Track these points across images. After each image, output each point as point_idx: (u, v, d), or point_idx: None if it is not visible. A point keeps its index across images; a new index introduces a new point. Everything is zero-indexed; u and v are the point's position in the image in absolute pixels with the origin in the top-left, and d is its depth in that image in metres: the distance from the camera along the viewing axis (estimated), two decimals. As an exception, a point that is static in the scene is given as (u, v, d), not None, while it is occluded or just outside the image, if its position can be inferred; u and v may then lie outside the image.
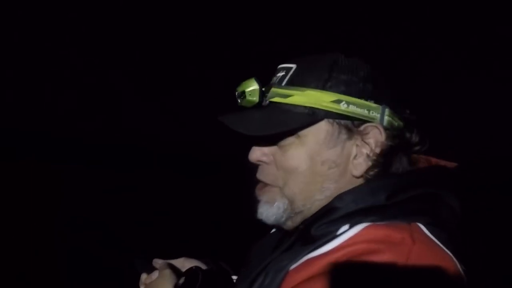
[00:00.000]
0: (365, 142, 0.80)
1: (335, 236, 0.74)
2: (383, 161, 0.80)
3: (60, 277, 3.58)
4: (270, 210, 0.84)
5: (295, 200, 0.82)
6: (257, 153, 0.85)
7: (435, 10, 3.83)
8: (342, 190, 0.80)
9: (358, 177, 0.80)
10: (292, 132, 0.81)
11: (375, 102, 0.80)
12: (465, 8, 3.62)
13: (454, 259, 0.72)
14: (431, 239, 0.73)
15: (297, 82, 0.81)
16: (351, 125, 0.80)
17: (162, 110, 5.79)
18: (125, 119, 6.22)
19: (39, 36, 4.18)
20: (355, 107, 0.79)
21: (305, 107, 0.79)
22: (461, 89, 4.80)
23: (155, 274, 0.96)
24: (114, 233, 4.51)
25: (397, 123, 0.81)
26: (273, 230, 0.98)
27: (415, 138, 0.83)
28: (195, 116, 5.84)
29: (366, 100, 0.80)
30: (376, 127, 0.80)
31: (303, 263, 0.74)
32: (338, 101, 0.79)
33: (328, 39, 3.87)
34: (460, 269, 0.72)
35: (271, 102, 0.82)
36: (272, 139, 0.83)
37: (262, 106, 0.83)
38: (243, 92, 0.82)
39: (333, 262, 0.70)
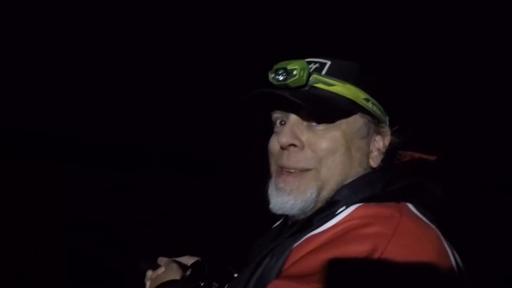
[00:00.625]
0: (381, 138, 0.94)
1: (333, 216, 0.83)
2: (388, 156, 0.93)
3: (60, 277, 3.58)
4: (299, 198, 0.88)
5: (330, 181, 0.88)
6: (288, 136, 0.88)
7: (435, 10, 3.83)
8: (363, 177, 0.90)
9: (372, 167, 0.92)
10: (339, 115, 0.88)
11: (384, 107, 0.94)
12: (465, 8, 3.63)
13: (438, 232, 0.80)
14: (417, 214, 0.83)
15: (337, 74, 0.89)
16: (374, 122, 0.93)
17: (162, 110, 5.79)
18: (125, 119, 6.22)
19: (39, 36, 4.18)
20: (375, 108, 0.92)
21: (347, 98, 0.89)
22: (460, 89, 4.80)
23: (161, 269, 1.01)
24: (114, 233, 4.52)
25: (395, 126, 0.95)
26: (274, 225, 1.06)
27: (408, 136, 0.97)
28: (195, 116, 5.84)
29: (381, 103, 0.93)
30: (389, 129, 0.94)
31: (305, 240, 0.81)
32: (367, 100, 0.91)
33: (328, 39, 3.87)
34: (443, 240, 0.79)
35: (312, 87, 0.88)
36: (308, 124, 0.89)
37: (302, 89, 0.88)
38: (291, 71, 0.86)
39: (331, 236, 0.79)
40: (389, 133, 0.94)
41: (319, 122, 0.89)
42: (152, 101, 5.44)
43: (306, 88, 0.88)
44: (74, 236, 4.30)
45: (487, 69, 4.46)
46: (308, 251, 0.78)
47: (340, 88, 0.89)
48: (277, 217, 1.00)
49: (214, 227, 4.81)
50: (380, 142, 0.94)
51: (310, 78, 0.89)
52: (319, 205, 0.88)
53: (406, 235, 0.75)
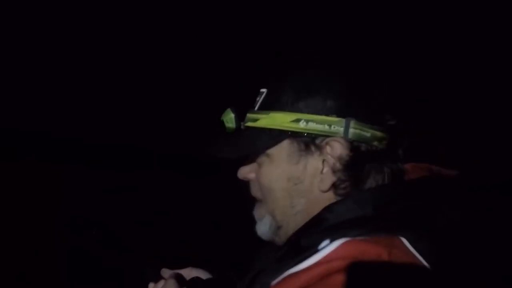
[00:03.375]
0: (328, 156, 0.84)
1: (315, 251, 0.76)
2: (352, 173, 0.82)
3: (60, 277, 3.57)
4: (261, 226, 0.93)
5: (274, 215, 0.89)
6: (242, 172, 0.96)
7: (435, 10, 3.83)
8: (317, 205, 0.83)
9: (325, 191, 0.84)
10: (260, 152, 0.89)
11: (338, 116, 0.83)
12: (465, 8, 3.63)
13: (433, 275, 0.72)
14: (411, 254, 0.74)
15: (265, 106, 0.89)
16: (312, 141, 0.86)
17: (162, 110, 5.79)
18: (125, 119, 6.22)
19: (38, 36, 4.18)
20: (314, 124, 0.84)
21: (270, 129, 0.86)
22: (460, 89, 4.80)
23: (161, 284, 1.03)
24: (114, 233, 4.51)
25: (370, 133, 0.82)
26: None
27: (397, 146, 0.86)
28: (196, 116, 5.84)
29: (327, 115, 0.84)
30: (337, 140, 0.84)
31: (283, 279, 0.76)
32: (297, 120, 0.85)
33: (329, 39, 3.87)
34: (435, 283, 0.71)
35: (246, 127, 0.93)
36: (253, 159, 0.93)
37: (241, 131, 0.94)
38: (223, 121, 0.94)
39: (310, 279, 0.72)
40: (340, 145, 0.83)
41: (246, 164, 0.94)
42: (152, 101, 5.45)
43: (242, 128, 0.93)
44: (74, 236, 4.30)
45: (487, 69, 4.46)
46: None
47: (263, 120, 0.88)
48: None
49: (214, 227, 4.81)
50: (330, 160, 0.84)
51: (246, 118, 0.93)
52: (291, 225, 0.87)
53: (390, 281, 0.68)
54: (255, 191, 0.95)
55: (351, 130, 0.83)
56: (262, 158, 0.91)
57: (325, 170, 0.85)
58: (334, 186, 0.85)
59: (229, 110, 0.94)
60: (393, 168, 0.86)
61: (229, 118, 0.93)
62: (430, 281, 0.72)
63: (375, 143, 0.83)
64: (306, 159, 0.86)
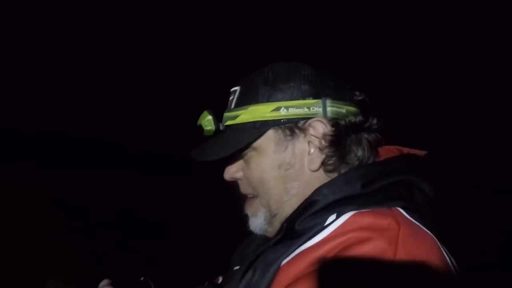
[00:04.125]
0: (312, 137, 0.87)
1: (324, 227, 0.78)
2: (337, 149, 0.85)
3: (60, 277, 3.58)
4: (255, 221, 0.91)
5: (270, 206, 0.89)
6: (228, 172, 0.96)
7: (435, 10, 3.83)
8: (310, 186, 0.85)
9: (316, 171, 0.86)
10: (246, 147, 0.89)
11: (314, 98, 0.87)
12: (465, 8, 3.63)
13: (435, 238, 0.77)
14: (412, 221, 0.78)
15: (242, 102, 0.89)
16: (295, 125, 0.87)
17: (162, 111, 5.80)
18: (125, 119, 6.23)
19: (38, 36, 4.19)
20: (294, 109, 0.86)
21: (252, 122, 0.87)
22: (460, 88, 4.81)
23: None
24: (114, 233, 4.52)
25: (344, 109, 0.87)
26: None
27: (368, 118, 0.89)
28: (195, 117, 5.84)
29: (304, 99, 0.87)
30: (319, 120, 0.86)
31: (295, 256, 0.77)
32: (278, 108, 0.86)
33: (328, 39, 3.88)
34: (441, 247, 0.77)
35: (226, 126, 0.91)
36: (237, 158, 0.92)
37: (221, 132, 0.92)
38: (201, 125, 0.93)
39: (327, 253, 0.74)
40: (322, 124, 0.85)
41: (232, 162, 0.94)
42: (152, 101, 5.46)
43: (222, 129, 0.92)
44: (74, 236, 4.31)
45: (487, 69, 4.47)
46: (302, 273, 0.74)
47: (243, 116, 0.88)
48: None
49: (213, 227, 4.82)
50: (315, 140, 0.86)
51: (223, 119, 0.92)
52: (286, 210, 0.88)
53: (409, 248, 0.72)
54: (244, 188, 0.94)
55: (329, 109, 0.86)
56: (249, 154, 0.90)
57: (312, 150, 0.87)
58: (322, 163, 0.87)
59: (205, 112, 0.94)
60: (369, 139, 0.89)
61: (207, 121, 0.93)
62: (435, 241, 0.77)
63: (351, 117, 0.87)
64: (293, 144, 0.88)
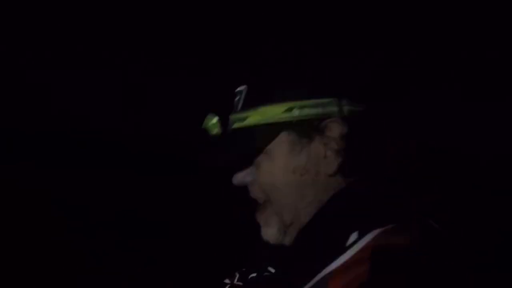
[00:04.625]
0: (329, 138, 0.80)
1: (345, 248, 0.72)
2: (353, 151, 0.80)
3: (60, 277, 3.58)
4: (269, 231, 0.85)
5: (283, 214, 0.83)
6: (237, 177, 0.89)
7: (435, 11, 3.84)
8: (327, 192, 0.80)
9: (333, 175, 0.80)
10: (258, 152, 0.83)
11: (328, 97, 0.81)
12: (465, 8, 3.64)
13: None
14: (439, 237, 0.73)
15: (250, 103, 0.84)
16: (310, 127, 0.81)
17: (162, 111, 5.80)
18: (125, 119, 6.23)
19: (38, 36, 4.18)
20: (308, 109, 0.80)
21: (264, 124, 0.81)
22: (460, 89, 4.80)
23: None
24: (114, 233, 4.52)
25: (358, 107, 0.82)
26: None
27: (378, 116, 0.84)
28: (196, 116, 5.83)
29: (318, 98, 0.80)
30: (334, 121, 0.80)
31: (317, 282, 0.71)
32: (290, 109, 0.80)
33: (328, 39, 3.87)
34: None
35: (234, 129, 0.85)
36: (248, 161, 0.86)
37: (229, 135, 0.87)
38: (206, 129, 0.88)
39: (352, 280, 0.67)
40: (339, 124, 0.79)
41: (241, 167, 0.87)
42: (152, 101, 5.46)
43: (230, 132, 0.87)
44: (74, 236, 4.30)
45: (486, 69, 4.46)
46: None
47: (253, 117, 0.82)
48: None
49: (214, 228, 4.82)
50: (332, 142, 0.80)
51: (231, 120, 0.87)
52: (303, 219, 0.81)
53: (437, 263, 0.67)
54: (256, 193, 0.87)
55: (345, 108, 0.81)
56: (260, 157, 0.84)
57: (328, 153, 0.81)
58: (339, 167, 0.81)
59: (210, 116, 0.89)
60: (383, 138, 0.83)
61: (213, 124, 0.88)
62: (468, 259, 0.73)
63: (364, 116, 0.83)
64: (308, 147, 0.81)
